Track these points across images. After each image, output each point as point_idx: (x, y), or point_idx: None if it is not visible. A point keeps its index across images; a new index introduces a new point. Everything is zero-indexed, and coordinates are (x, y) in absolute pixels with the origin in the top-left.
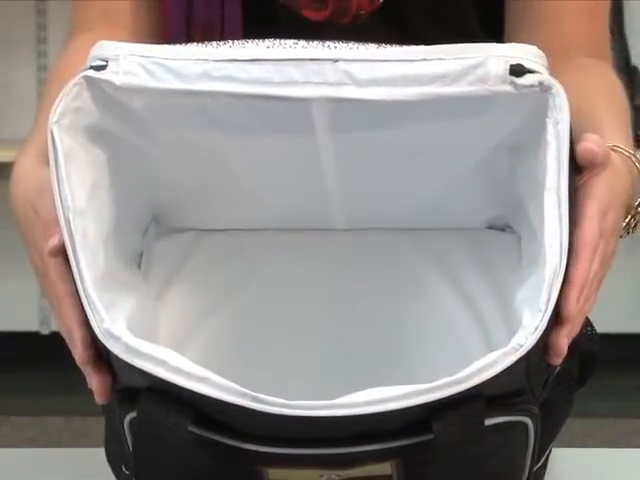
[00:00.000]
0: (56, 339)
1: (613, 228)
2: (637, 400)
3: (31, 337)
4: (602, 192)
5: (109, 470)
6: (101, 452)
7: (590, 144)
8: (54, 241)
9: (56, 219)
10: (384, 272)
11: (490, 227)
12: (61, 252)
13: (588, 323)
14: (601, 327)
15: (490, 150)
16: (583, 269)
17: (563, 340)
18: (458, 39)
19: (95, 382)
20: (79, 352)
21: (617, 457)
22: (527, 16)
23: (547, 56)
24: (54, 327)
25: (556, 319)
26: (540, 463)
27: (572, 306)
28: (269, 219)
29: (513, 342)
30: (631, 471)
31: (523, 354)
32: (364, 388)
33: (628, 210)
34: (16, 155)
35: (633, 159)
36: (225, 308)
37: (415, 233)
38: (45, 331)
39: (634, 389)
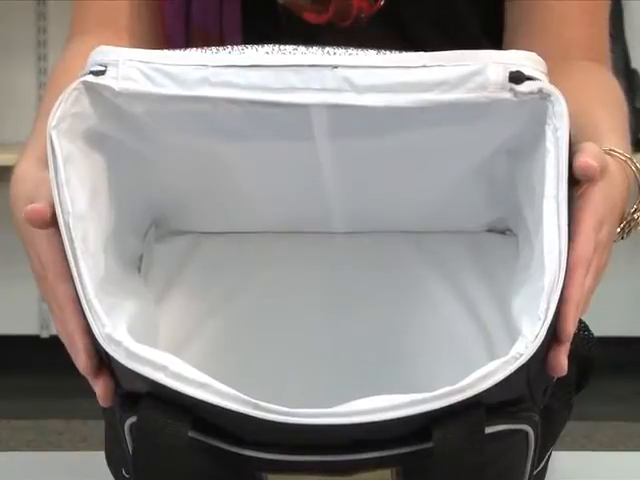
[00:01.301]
0: (56, 342)
1: (607, 240)
2: (637, 403)
3: (31, 340)
4: (598, 204)
5: (109, 473)
6: (101, 455)
7: (587, 158)
8: (33, 205)
9: (52, 205)
10: (384, 276)
11: (490, 230)
12: (38, 219)
13: (584, 327)
14: (602, 330)
15: (489, 155)
16: (579, 286)
17: (564, 358)
18: (458, 42)
19: (98, 387)
20: (83, 361)
21: (617, 460)
22: (527, 19)
23: (546, 59)
24: (54, 331)
25: (554, 337)
26: (540, 467)
27: (571, 325)
28: (269, 222)
29: (513, 351)
30: (631, 474)
31: (523, 363)
32: (364, 393)
33: (623, 215)
34: (16, 158)
35: (629, 163)
36: (224, 312)
37: (415, 236)
38: (45, 334)
39: (634, 392)
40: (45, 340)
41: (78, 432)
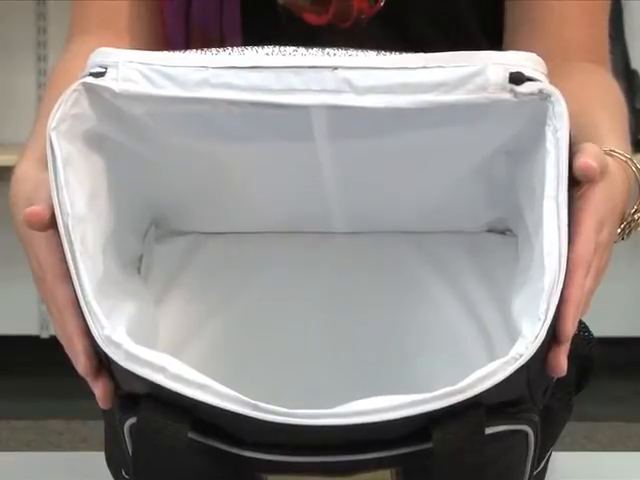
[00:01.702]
0: (56, 343)
1: (608, 241)
2: (637, 404)
3: (31, 341)
4: (599, 204)
5: (109, 474)
6: (101, 456)
7: (588, 158)
8: (32, 207)
9: (51, 207)
10: (384, 276)
11: (490, 230)
12: (36, 221)
13: (584, 327)
14: (602, 331)
15: (489, 155)
16: (579, 286)
17: (563, 359)
18: (458, 43)
19: (98, 389)
20: (82, 363)
21: (617, 460)
22: (527, 19)
23: (546, 60)
24: (54, 331)
25: (554, 337)
26: (540, 467)
27: (570, 326)
28: (269, 222)
29: (513, 352)
30: (631, 474)
31: (523, 363)
32: (365, 394)
33: (624, 216)
34: (16, 159)
35: (630, 164)
36: (224, 313)
37: (415, 236)
38: (45, 335)
39: (634, 393)
40: (45, 340)
41: (78, 432)
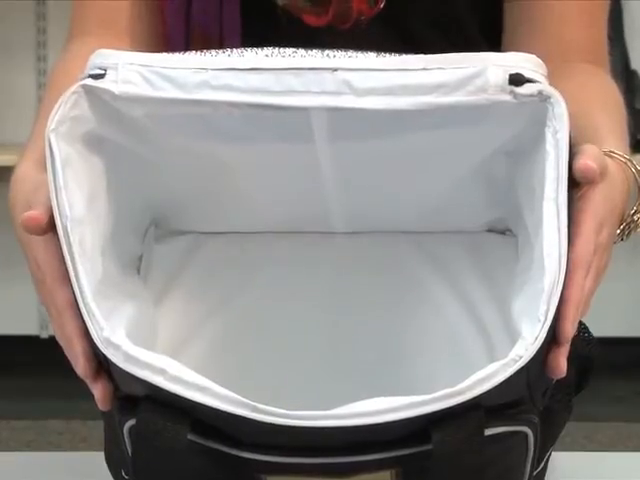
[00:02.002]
0: (56, 343)
1: (607, 242)
2: (637, 404)
3: (31, 341)
4: (598, 205)
5: (109, 474)
6: (101, 456)
7: (587, 160)
8: (30, 212)
9: (49, 210)
10: (384, 276)
11: (490, 230)
12: (34, 226)
13: (584, 328)
14: (601, 331)
15: (489, 156)
16: (578, 287)
17: (563, 360)
18: (458, 45)
19: (97, 390)
20: (81, 364)
21: (617, 460)
22: (527, 19)
23: (546, 61)
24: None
25: (554, 338)
26: (540, 467)
27: (570, 326)
28: (269, 222)
29: (513, 353)
30: (631, 474)
31: (523, 365)
32: (364, 394)
33: (623, 217)
34: (16, 159)
35: (629, 165)
36: (224, 313)
37: (415, 236)
38: (45, 335)
39: (634, 393)
40: (45, 340)
41: (78, 432)
